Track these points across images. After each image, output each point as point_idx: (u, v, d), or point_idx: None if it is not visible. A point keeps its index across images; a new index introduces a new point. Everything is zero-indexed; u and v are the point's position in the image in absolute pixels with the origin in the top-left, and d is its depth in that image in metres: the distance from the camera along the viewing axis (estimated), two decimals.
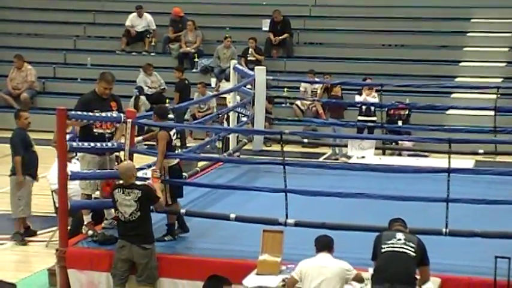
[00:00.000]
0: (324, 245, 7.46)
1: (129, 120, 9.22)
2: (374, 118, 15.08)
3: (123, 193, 8.38)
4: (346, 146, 13.83)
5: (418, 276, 7.17)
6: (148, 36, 20.38)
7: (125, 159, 9.22)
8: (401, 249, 7.08)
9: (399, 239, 7.13)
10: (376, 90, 15.16)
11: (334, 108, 15.99)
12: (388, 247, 7.10)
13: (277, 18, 19.50)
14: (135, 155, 9.38)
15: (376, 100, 15.10)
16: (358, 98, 15.49)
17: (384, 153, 14.43)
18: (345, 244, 8.02)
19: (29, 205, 11.28)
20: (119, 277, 8.45)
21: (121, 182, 8.59)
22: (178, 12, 20.28)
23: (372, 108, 15.07)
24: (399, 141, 14.72)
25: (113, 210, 8.91)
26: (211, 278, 7.00)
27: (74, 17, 21.69)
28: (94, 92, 9.43)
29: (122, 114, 9.30)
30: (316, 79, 16.90)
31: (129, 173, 8.55)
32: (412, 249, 7.10)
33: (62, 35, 21.42)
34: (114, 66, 19.81)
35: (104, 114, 9.19)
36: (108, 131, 9.31)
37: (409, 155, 14.53)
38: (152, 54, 20.31)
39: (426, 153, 13.86)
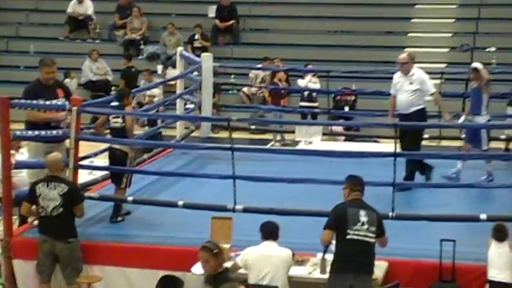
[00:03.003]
0: (269, 232, 7.43)
1: (75, 107, 9.11)
2: (316, 104, 15.14)
3: (47, 187, 8.22)
4: (293, 132, 13.97)
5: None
6: (90, 23, 20.11)
7: (71, 148, 9.11)
8: (365, 238, 7.08)
9: (363, 223, 7.09)
10: (323, 76, 15.21)
11: (275, 95, 16.00)
12: (354, 234, 7.05)
13: (225, 2, 19.41)
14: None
15: (318, 86, 15.16)
16: (300, 83, 15.52)
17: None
18: (293, 229, 8.05)
19: None
20: (45, 273, 8.32)
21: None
22: None
23: (314, 94, 15.13)
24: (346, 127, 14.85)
25: None
26: (163, 278, 6.99)
27: (16, 3, 21.31)
28: (38, 80, 9.29)
29: (67, 102, 9.18)
30: (271, 66, 16.87)
31: (56, 165, 8.41)
32: (374, 235, 7.15)
33: (4, 22, 21.05)
34: (57, 53, 19.48)
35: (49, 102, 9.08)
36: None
37: (357, 141, 14.63)
38: (97, 41, 20.07)
39: (375, 139, 13.97)
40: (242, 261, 7.32)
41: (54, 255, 8.28)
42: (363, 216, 7.12)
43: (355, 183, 7.38)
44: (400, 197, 8.83)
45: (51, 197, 8.19)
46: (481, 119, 10.52)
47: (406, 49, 18.33)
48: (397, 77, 10.54)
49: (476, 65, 10.80)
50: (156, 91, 16.97)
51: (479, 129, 10.44)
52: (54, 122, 9.27)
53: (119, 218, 9.34)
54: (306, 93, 15.22)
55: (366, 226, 7.10)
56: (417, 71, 10.42)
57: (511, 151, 12.78)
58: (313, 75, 15.39)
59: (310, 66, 15.73)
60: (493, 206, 9.14)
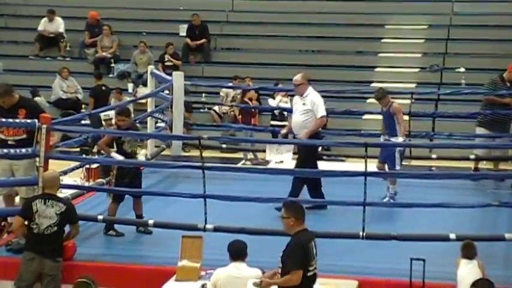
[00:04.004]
0: (237, 253, 7.24)
1: (44, 126, 9.07)
2: (286, 123, 15.19)
3: (44, 204, 8.19)
4: (264, 151, 13.96)
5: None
6: (62, 40, 20.03)
7: (40, 166, 9.06)
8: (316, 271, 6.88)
9: (315, 257, 6.84)
10: (293, 95, 15.25)
11: (246, 114, 16.01)
12: (313, 270, 6.81)
13: (196, 21, 19.44)
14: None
15: (288, 105, 15.23)
16: (271, 102, 15.57)
17: None
18: (263, 249, 8.04)
19: None
20: None
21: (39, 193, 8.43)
22: (95, 16, 20.02)
23: (285, 113, 15.20)
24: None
25: None
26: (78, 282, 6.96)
27: None
28: None
29: (36, 120, 9.14)
30: (242, 85, 16.90)
31: (53, 182, 8.42)
32: None
33: None
34: (27, 71, 19.47)
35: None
36: (12, 138, 9.19)
37: (326, 160, 14.66)
38: (68, 59, 19.97)
39: (343, 158, 14.02)
40: (213, 284, 7.21)
41: (39, 274, 8.20)
42: (314, 249, 6.87)
43: (299, 211, 6.84)
44: (370, 216, 8.86)
45: (48, 215, 8.17)
46: (395, 140, 10.63)
47: (376, 69, 18.63)
48: (295, 98, 10.72)
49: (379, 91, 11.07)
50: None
51: (392, 149, 10.51)
52: None
53: (111, 232, 9.44)
54: (276, 112, 15.26)
55: (316, 259, 6.87)
56: (312, 93, 10.46)
57: (479, 171, 12.89)
58: (284, 95, 15.45)
59: (280, 85, 15.79)
60: (462, 226, 9.19)
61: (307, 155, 10.29)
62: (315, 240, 6.87)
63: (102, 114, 12.08)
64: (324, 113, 10.43)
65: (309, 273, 6.73)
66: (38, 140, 9.10)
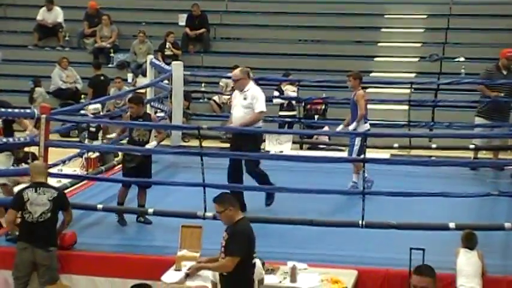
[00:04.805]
0: None
1: (43, 115, 9.08)
2: (295, 113, 15.20)
3: (35, 191, 8.19)
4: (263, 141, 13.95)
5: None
6: (61, 30, 20.00)
7: (40, 155, 9.07)
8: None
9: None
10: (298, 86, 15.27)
11: None
12: (254, 258, 6.79)
13: (196, 12, 19.40)
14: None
15: (295, 94, 15.22)
16: (276, 94, 15.50)
17: (301, 148, 14.52)
18: (263, 238, 8.03)
19: None
20: (21, 280, 8.23)
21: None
22: (94, 6, 19.97)
23: (294, 102, 15.19)
24: (316, 136, 14.91)
25: None
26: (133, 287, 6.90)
27: None
28: None
29: (35, 110, 9.17)
30: None
31: (36, 170, 8.41)
32: None
33: None
34: (26, 61, 19.44)
35: None
36: None
37: (325, 149, 14.68)
38: (67, 49, 19.93)
39: (342, 147, 14.03)
40: (213, 275, 7.17)
41: (33, 263, 8.20)
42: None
43: (232, 200, 6.84)
44: (369, 205, 8.87)
45: (40, 202, 8.15)
46: (352, 128, 10.68)
47: (375, 58, 18.60)
48: (234, 93, 10.26)
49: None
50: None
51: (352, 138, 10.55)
52: None
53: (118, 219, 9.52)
54: (279, 101, 15.24)
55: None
56: (253, 88, 9.97)
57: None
58: (291, 84, 15.40)
59: (291, 77, 15.73)
60: (461, 215, 9.20)
61: (245, 146, 9.63)
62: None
63: (91, 108, 11.96)
64: (264, 109, 9.90)
65: (253, 261, 6.76)
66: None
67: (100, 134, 11.97)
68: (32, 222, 8.17)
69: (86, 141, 12.24)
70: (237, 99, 10.00)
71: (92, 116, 11.71)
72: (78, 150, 11.07)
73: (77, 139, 13.52)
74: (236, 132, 9.77)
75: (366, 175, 9.47)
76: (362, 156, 9.23)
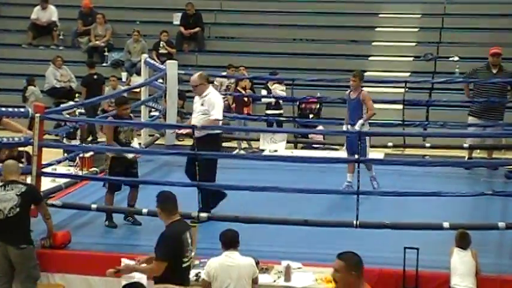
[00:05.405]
0: (228, 242, 7.14)
1: (37, 114, 9.06)
2: (281, 111, 15.18)
3: (4, 189, 8.09)
4: (258, 140, 13.97)
5: None
6: (55, 29, 19.97)
7: (34, 154, 9.04)
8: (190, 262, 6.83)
9: (189, 247, 6.77)
10: (288, 85, 15.27)
11: (239, 103, 15.98)
12: (187, 262, 6.77)
13: (190, 11, 19.39)
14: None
15: (284, 93, 15.21)
16: (264, 93, 15.50)
17: (295, 147, 14.54)
18: (257, 237, 8.05)
19: None
20: (1, 280, 8.14)
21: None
22: (88, 5, 19.95)
23: (281, 101, 15.18)
24: (310, 135, 14.92)
25: None
26: (126, 286, 6.86)
27: None
28: None
29: (29, 109, 9.14)
30: (236, 74, 16.88)
31: (6, 169, 8.28)
32: None
33: None
34: (20, 60, 19.40)
35: None
36: None
37: (320, 149, 14.70)
38: (61, 48, 19.90)
39: (336, 147, 14.05)
40: (207, 275, 7.13)
41: (9, 260, 8.12)
42: (189, 239, 6.79)
43: (172, 203, 6.84)
44: (364, 205, 8.88)
45: (8, 198, 8.03)
46: (358, 126, 10.64)
47: (370, 57, 18.61)
48: (195, 98, 10.07)
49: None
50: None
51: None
52: None
53: (107, 223, 9.44)
54: (266, 100, 15.25)
55: (191, 248, 6.84)
56: (212, 93, 9.83)
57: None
58: (279, 83, 15.41)
59: (278, 75, 15.74)
60: (455, 214, 9.21)
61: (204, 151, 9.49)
62: (190, 230, 6.87)
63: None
64: (219, 117, 9.73)
65: (184, 264, 6.72)
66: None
67: (78, 134, 11.94)
68: (2, 219, 8.04)
69: (64, 140, 12.23)
70: (196, 104, 9.91)
71: (67, 115, 11.72)
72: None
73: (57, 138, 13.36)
74: (197, 136, 9.61)
75: (373, 173, 9.52)
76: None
